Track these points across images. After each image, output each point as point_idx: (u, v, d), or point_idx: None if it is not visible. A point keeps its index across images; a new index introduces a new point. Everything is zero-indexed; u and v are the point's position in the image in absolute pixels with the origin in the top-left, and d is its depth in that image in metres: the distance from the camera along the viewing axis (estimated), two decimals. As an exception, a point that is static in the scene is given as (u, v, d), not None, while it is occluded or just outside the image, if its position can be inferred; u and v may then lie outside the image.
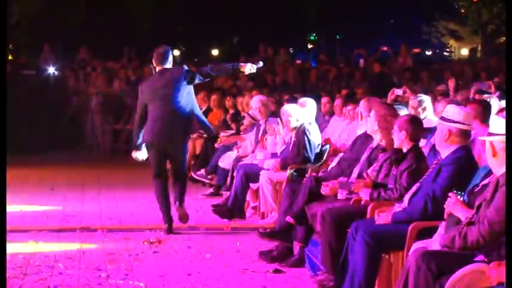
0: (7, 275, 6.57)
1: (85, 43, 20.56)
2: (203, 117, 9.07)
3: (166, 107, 8.66)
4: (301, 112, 9.16)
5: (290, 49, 24.02)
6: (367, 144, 7.40)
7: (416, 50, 27.02)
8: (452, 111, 5.68)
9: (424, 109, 8.52)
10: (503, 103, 8.32)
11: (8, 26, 11.50)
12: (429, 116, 8.45)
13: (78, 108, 18.67)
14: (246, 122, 11.82)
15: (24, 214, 9.83)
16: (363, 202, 6.49)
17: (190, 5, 23.81)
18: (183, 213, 8.86)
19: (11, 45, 21.47)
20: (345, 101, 10.61)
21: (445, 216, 5.09)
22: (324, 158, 9.09)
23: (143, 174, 10.33)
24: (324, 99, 11.54)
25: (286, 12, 24.97)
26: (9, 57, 20.01)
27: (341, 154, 8.20)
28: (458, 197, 4.96)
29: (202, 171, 12.11)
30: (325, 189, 7.12)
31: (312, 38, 29.56)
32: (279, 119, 9.65)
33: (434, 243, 4.90)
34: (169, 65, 8.83)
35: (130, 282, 6.74)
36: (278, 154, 9.49)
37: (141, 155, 8.92)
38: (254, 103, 10.68)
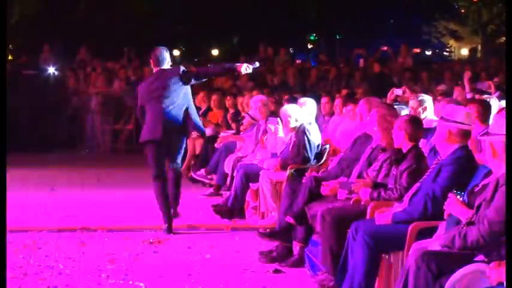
0: (7, 275, 6.57)
1: (85, 43, 20.56)
2: (196, 118, 9.06)
3: (162, 108, 8.73)
4: (301, 112, 9.16)
5: (290, 49, 24.03)
6: (367, 144, 7.40)
7: (417, 50, 27.02)
8: (452, 111, 5.68)
9: (424, 109, 8.51)
10: (503, 103, 8.33)
11: (8, 26, 11.48)
12: (430, 116, 8.44)
13: (78, 108, 18.67)
14: (246, 122, 11.83)
15: (24, 214, 9.82)
16: (363, 202, 6.49)
17: (190, 5, 23.81)
18: (168, 229, 8.84)
19: (11, 45, 21.47)
20: (345, 101, 10.61)
21: (445, 217, 5.09)
22: (324, 158, 9.09)
23: (143, 174, 10.31)
24: (324, 99, 11.54)
25: (286, 12, 24.97)
26: (10, 57, 20.00)
27: (341, 154, 8.19)
28: (458, 197, 4.96)
29: (202, 171, 12.11)
30: (325, 189, 7.13)
31: (312, 38, 29.57)
32: (278, 119, 9.65)
33: (434, 243, 4.90)
34: (167, 65, 8.90)
35: (130, 282, 6.74)
36: (278, 154, 9.49)
37: None
38: (254, 103, 10.69)
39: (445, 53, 30.51)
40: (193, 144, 13.41)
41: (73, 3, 23.11)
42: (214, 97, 13.76)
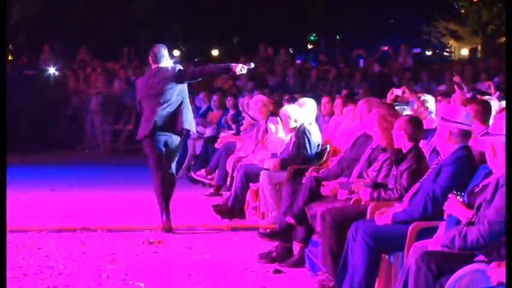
0: (7, 275, 6.57)
1: (85, 43, 20.57)
2: (188, 116, 9.06)
3: (157, 105, 8.84)
4: (301, 112, 9.16)
5: (290, 49, 24.02)
6: (367, 144, 7.40)
7: (417, 50, 27.01)
8: (452, 111, 5.68)
9: (426, 109, 8.49)
10: (503, 103, 8.32)
11: (8, 26, 11.49)
12: (432, 116, 8.43)
13: (78, 108, 18.69)
14: (246, 122, 11.84)
15: (24, 214, 9.82)
16: (363, 202, 6.49)
17: (190, 5, 23.80)
18: (168, 226, 8.84)
19: (11, 46, 21.46)
20: (345, 101, 10.60)
21: (445, 217, 5.09)
22: (324, 158, 9.09)
23: (143, 174, 10.32)
24: (324, 100, 11.55)
25: (286, 12, 24.95)
26: (10, 58, 20.00)
27: (341, 154, 8.19)
28: (458, 197, 4.96)
29: (202, 171, 12.12)
30: (325, 190, 7.13)
31: (312, 38, 29.54)
32: (278, 119, 9.65)
33: (434, 243, 4.90)
34: (165, 62, 8.99)
35: (130, 282, 6.74)
36: (278, 154, 9.49)
37: None
38: (254, 103, 10.69)
39: (445, 53, 30.48)
40: (193, 144, 13.42)
41: (73, 3, 23.10)
42: (214, 97, 13.77)
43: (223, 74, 9.88)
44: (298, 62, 22.22)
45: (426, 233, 5.35)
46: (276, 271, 7.13)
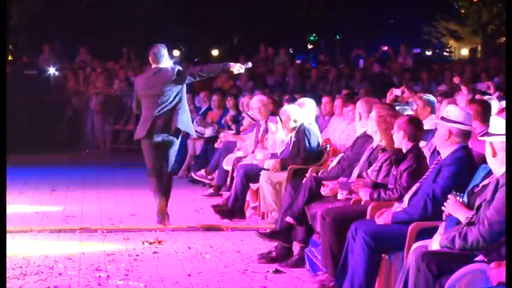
0: (7, 275, 6.57)
1: (85, 43, 20.56)
2: (184, 116, 9.07)
3: (156, 106, 8.88)
4: (301, 113, 9.15)
5: (290, 49, 24.01)
6: (367, 144, 7.40)
7: (417, 50, 27.00)
8: (452, 111, 5.68)
9: (427, 110, 8.48)
10: (503, 103, 8.32)
11: (8, 26, 11.48)
12: (433, 117, 8.42)
13: (78, 108, 18.69)
14: (246, 122, 11.83)
15: (24, 214, 9.82)
16: (363, 202, 6.49)
17: (190, 5, 23.80)
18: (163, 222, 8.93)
19: (11, 46, 21.46)
20: (345, 101, 10.61)
21: (444, 218, 5.09)
22: (324, 158, 9.09)
23: (143, 174, 10.32)
24: (325, 99, 11.54)
25: (286, 12, 24.94)
26: (10, 58, 19.99)
27: (341, 154, 8.18)
28: (457, 197, 4.95)
29: (203, 171, 12.12)
30: (325, 190, 7.13)
31: (312, 38, 29.53)
32: (278, 118, 9.65)
33: (434, 243, 4.90)
34: (164, 62, 9.02)
35: (130, 283, 6.74)
36: (278, 154, 9.48)
37: None
38: (254, 103, 10.69)
39: (445, 53, 30.44)
40: (193, 144, 13.41)
41: (73, 3, 23.09)
42: (214, 97, 13.76)
43: (222, 73, 9.91)
44: (298, 62, 22.21)
45: (426, 233, 5.35)
46: (276, 271, 7.13)
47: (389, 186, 6.41)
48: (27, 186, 12.02)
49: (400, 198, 6.10)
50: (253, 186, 9.61)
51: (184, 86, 9.02)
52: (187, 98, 9.33)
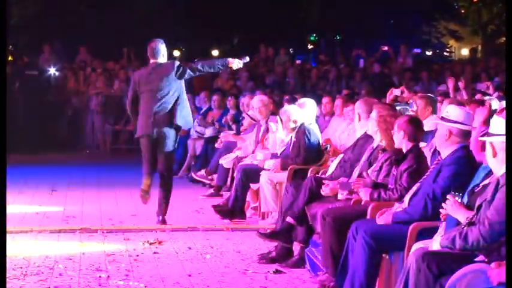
0: (7, 276, 6.57)
1: (85, 43, 20.55)
2: (183, 111, 9.08)
3: (155, 102, 8.91)
4: (301, 113, 9.15)
5: (290, 49, 24.00)
6: (367, 144, 7.40)
7: (417, 50, 27.00)
8: (452, 111, 5.68)
9: (429, 110, 8.48)
10: (503, 103, 8.32)
11: (8, 26, 11.49)
12: (433, 117, 8.41)
13: (78, 108, 18.69)
14: (246, 122, 11.83)
15: (24, 215, 9.82)
16: (363, 202, 6.49)
17: (191, 5, 23.79)
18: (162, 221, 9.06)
19: (11, 46, 21.45)
20: (345, 101, 10.61)
21: (442, 218, 5.09)
22: (324, 158, 9.08)
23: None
24: (325, 100, 11.55)
25: (286, 12, 24.94)
26: (10, 58, 19.99)
27: (341, 155, 8.17)
28: (457, 198, 4.95)
29: (203, 171, 12.11)
30: (325, 190, 7.12)
31: (312, 38, 29.52)
32: (278, 118, 9.65)
33: (435, 243, 4.90)
34: (162, 58, 9.05)
35: (131, 283, 6.74)
36: (278, 154, 9.48)
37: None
38: (255, 103, 10.69)
39: (445, 53, 30.42)
40: (194, 144, 13.42)
41: (73, 3, 23.09)
42: (215, 97, 13.77)
43: (221, 69, 9.93)
44: (298, 62, 22.20)
45: (426, 233, 5.35)
46: (276, 271, 7.13)
47: (389, 186, 6.41)
48: (27, 186, 12.02)
49: (400, 198, 6.10)
50: (253, 186, 9.61)
51: (183, 81, 9.03)
52: (187, 99, 9.34)
